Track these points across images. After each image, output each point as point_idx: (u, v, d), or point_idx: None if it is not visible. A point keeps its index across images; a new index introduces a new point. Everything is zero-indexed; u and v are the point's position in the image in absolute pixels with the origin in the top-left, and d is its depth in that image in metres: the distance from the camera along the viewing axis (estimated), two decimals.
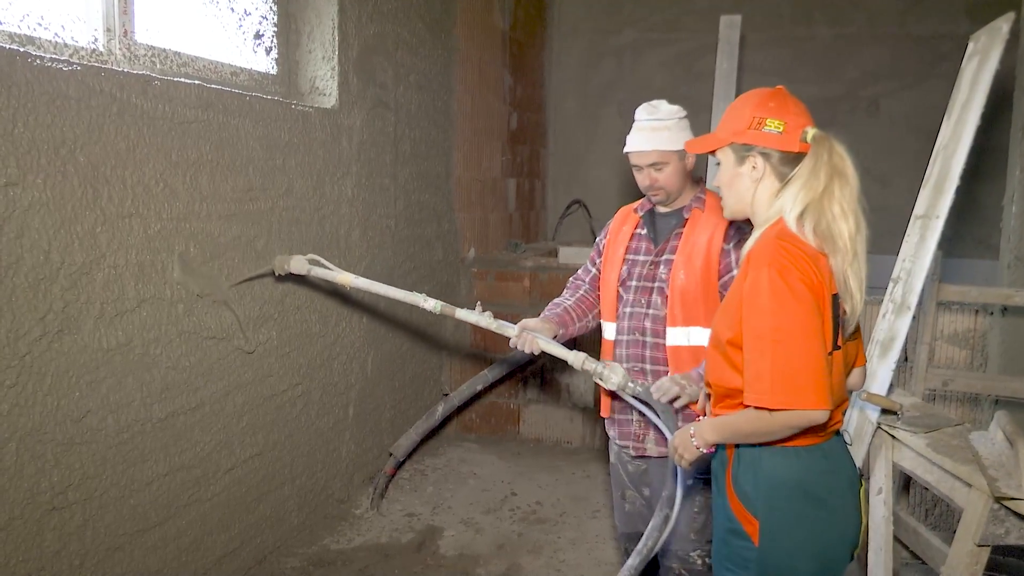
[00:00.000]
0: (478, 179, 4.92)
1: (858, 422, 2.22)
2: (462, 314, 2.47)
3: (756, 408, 1.57)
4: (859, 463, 2.23)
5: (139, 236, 2.33)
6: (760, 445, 1.67)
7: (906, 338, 3.29)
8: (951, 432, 2.05)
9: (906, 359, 3.33)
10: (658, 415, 2.14)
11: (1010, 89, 3.32)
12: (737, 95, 4.40)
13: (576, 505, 3.71)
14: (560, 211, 6.27)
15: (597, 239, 2.62)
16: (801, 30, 5.77)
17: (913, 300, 2.08)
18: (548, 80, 6.30)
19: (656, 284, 2.33)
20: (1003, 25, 1.94)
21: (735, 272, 2.18)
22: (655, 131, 2.30)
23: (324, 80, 3.31)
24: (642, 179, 2.35)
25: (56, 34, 2.26)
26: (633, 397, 2.19)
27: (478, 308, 2.48)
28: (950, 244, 5.54)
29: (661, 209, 2.41)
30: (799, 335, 1.53)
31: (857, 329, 1.74)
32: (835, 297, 1.62)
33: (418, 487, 3.84)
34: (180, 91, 2.45)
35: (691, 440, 1.76)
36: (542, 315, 2.52)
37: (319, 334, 3.27)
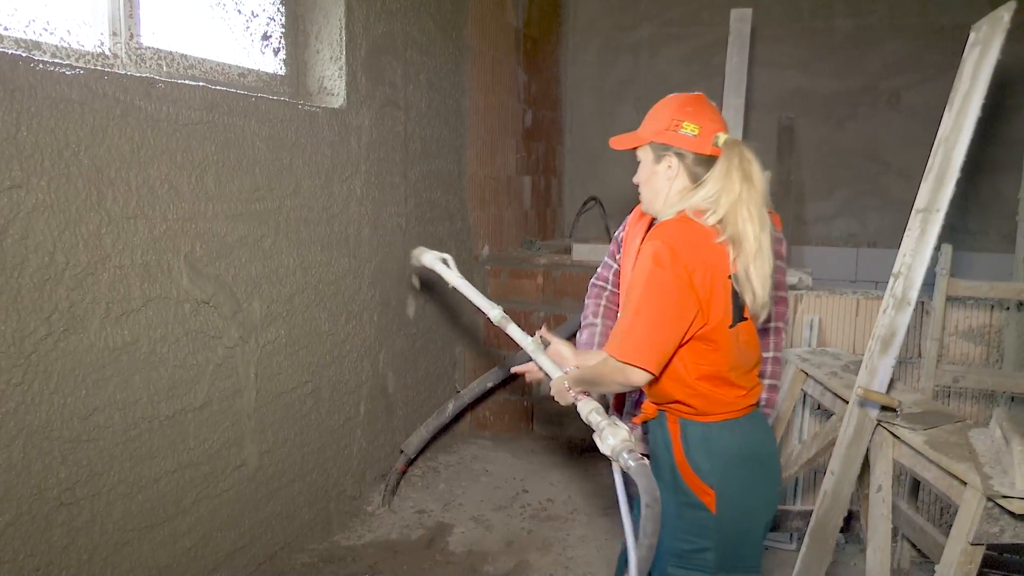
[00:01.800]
0: (492, 177, 4.92)
1: (859, 419, 2.19)
2: (512, 330, 2.40)
3: (608, 356, 1.80)
4: (860, 460, 2.20)
5: (144, 237, 2.36)
6: (705, 423, 1.85)
7: (919, 334, 3.26)
8: (950, 429, 2.01)
9: (920, 355, 3.29)
10: (640, 501, 1.80)
11: None
12: (748, 89, 4.38)
13: (587, 502, 3.70)
14: (577, 208, 6.26)
15: (615, 233, 2.51)
16: (820, 22, 5.69)
17: (913, 295, 2.04)
18: (564, 77, 6.28)
19: None
20: (1004, 14, 1.90)
21: None
22: None
23: (332, 80, 3.34)
24: None
25: (62, 39, 2.30)
26: (621, 470, 1.88)
27: (537, 335, 2.30)
28: (974, 239, 5.45)
29: None
30: (657, 309, 1.73)
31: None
32: (732, 277, 1.79)
33: (430, 484, 3.86)
34: (184, 93, 2.48)
35: (565, 387, 1.98)
36: (578, 343, 2.38)
37: (328, 332, 3.30)
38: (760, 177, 1.80)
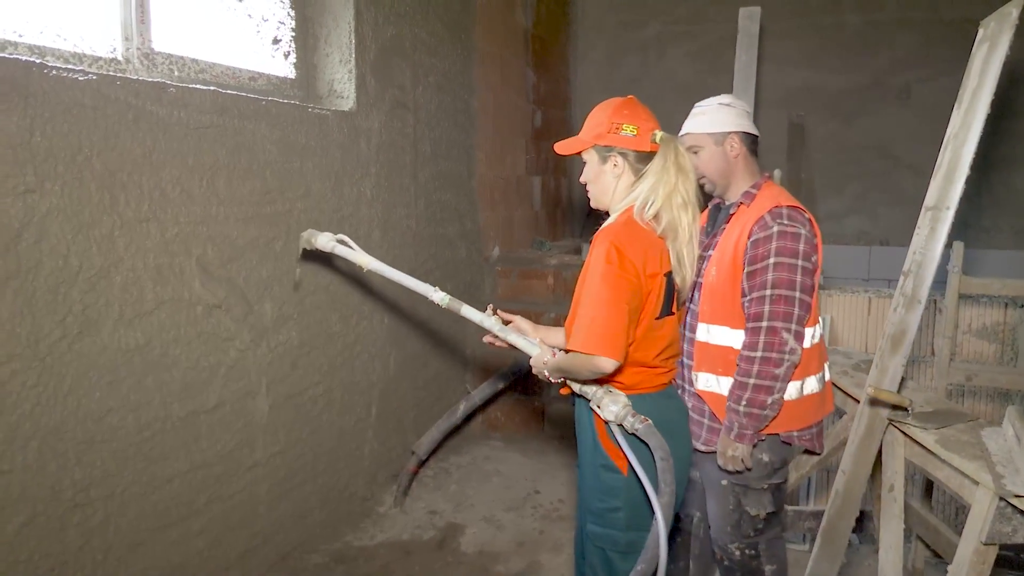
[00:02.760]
0: (501, 177, 4.93)
1: (870, 418, 2.18)
2: (467, 311, 2.40)
3: (572, 351, 1.93)
4: (871, 459, 2.19)
5: (156, 240, 2.38)
6: (624, 395, 2.01)
7: (932, 332, 3.25)
8: (963, 428, 2.00)
9: (933, 353, 3.27)
10: (654, 463, 1.97)
11: None
12: (758, 87, 4.36)
13: None
14: (587, 209, 6.25)
15: None
16: (828, 17, 5.67)
17: (923, 293, 2.03)
18: (573, 76, 6.28)
19: (700, 279, 2.32)
20: (1012, 10, 1.89)
21: (748, 268, 2.17)
22: (693, 116, 2.39)
23: (342, 83, 3.35)
24: None
25: (75, 45, 2.32)
26: (629, 433, 1.99)
27: (488, 310, 2.37)
28: (988, 235, 5.41)
29: (726, 202, 2.39)
30: (613, 302, 1.86)
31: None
32: (669, 275, 2.00)
33: (442, 485, 3.87)
34: (195, 97, 2.50)
35: (544, 367, 2.11)
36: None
37: (340, 334, 3.32)
38: (692, 169, 1.99)
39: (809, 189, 5.71)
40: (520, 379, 4.25)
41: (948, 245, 2.16)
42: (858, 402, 2.30)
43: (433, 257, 4.06)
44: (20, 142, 1.97)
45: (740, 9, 3.79)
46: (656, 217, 1.97)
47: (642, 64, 6.18)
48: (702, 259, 2.31)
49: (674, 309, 2.05)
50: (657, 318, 1.99)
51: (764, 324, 2.12)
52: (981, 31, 2.06)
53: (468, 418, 4.22)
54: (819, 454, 2.44)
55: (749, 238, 2.17)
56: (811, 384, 2.25)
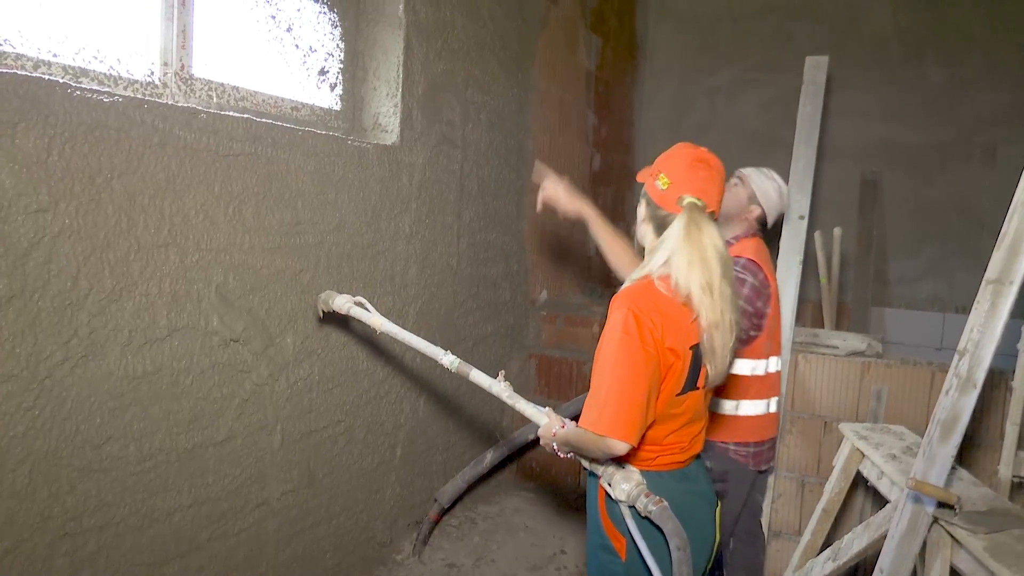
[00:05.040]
0: (554, 220, 4.81)
1: (912, 513, 1.94)
2: (476, 376, 2.30)
3: (583, 427, 1.79)
4: (912, 558, 1.95)
5: (175, 265, 2.34)
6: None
7: (1002, 414, 2.95)
8: (1019, 534, 1.75)
9: (1002, 437, 2.97)
10: (669, 548, 1.77)
11: None
12: (830, 139, 4.12)
13: None
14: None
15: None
16: (910, 70, 5.40)
17: (980, 376, 1.81)
18: (638, 120, 6.15)
19: None
20: None
21: None
22: (760, 170, 2.89)
23: (387, 117, 3.31)
24: None
25: (111, 67, 2.32)
26: (642, 516, 1.82)
27: (500, 376, 2.31)
28: None
29: None
30: (630, 378, 1.71)
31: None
32: (696, 347, 1.80)
33: (465, 535, 3.71)
34: (227, 124, 2.47)
35: (552, 439, 1.96)
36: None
37: (366, 371, 3.23)
38: (714, 243, 1.76)
39: (881, 248, 5.40)
40: None
41: (1021, 319, 1.94)
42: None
43: (474, 297, 3.95)
44: (36, 161, 1.95)
45: (807, 58, 3.62)
46: (685, 299, 1.79)
47: (711, 111, 6.01)
48: None
49: (700, 384, 1.85)
50: (678, 394, 1.82)
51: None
52: None
53: (500, 466, 4.07)
54: (763, 471, 2.66)
55: None
56: (746, 407, 2.59)
